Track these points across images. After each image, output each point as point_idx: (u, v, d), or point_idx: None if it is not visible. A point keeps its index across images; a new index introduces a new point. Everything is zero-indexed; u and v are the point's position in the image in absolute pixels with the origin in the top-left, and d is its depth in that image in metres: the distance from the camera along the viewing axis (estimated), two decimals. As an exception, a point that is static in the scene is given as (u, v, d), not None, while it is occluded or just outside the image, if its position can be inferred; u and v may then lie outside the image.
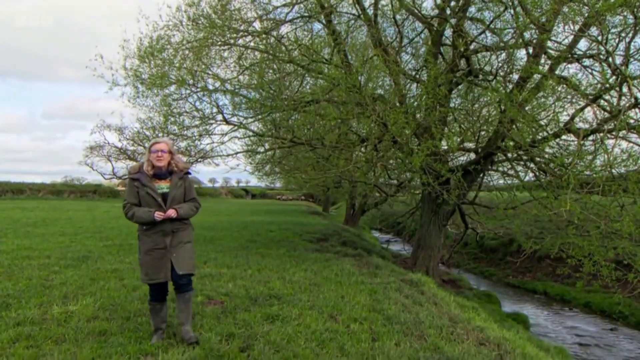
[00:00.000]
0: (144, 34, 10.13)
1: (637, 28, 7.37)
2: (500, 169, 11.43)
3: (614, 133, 7.24)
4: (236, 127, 11.50)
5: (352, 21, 11.20)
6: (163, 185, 4.45)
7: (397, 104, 10.10)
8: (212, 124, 11.21)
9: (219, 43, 9.92)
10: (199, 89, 10.53)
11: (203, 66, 10.42)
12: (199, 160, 13.31)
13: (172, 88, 10.42)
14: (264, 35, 9.96)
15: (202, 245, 11.48)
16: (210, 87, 10.61)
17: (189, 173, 4.65)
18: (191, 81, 10.27)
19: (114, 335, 4.49)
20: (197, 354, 4.05)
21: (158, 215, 4.29)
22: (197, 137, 11.22)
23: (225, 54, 10.67)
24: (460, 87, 11.42)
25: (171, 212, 4.34)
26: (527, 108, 8.94)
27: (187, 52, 10.10)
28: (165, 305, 4.57)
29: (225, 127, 11.57)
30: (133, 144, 56.54)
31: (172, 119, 10.72)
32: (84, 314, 5.11)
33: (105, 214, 23.49)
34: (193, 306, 4.94)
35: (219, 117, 11.14)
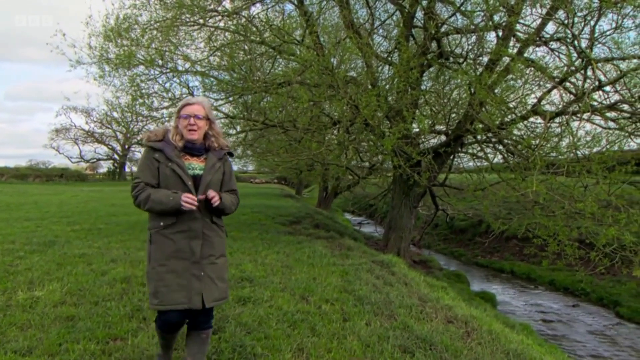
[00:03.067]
0: (110, 12, 9.83)
1: (602, 12, 7.52)
2: (470, 151, 11.61)
3: (578, 115, 7.43)
4: (207, 109, 11.32)
5: (324, 2, 11.09)
6: (195, 165, 3.08)
7: (369, 87, 10.10)
8: (182, 105, 11.01)
9: (188, 23, 9.70)
10: (168, 70, 10.31)
11: (172, 47, 10.18)
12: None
13: (141, 68, 10.18)
14: (234, 15, 9.78)
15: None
16: (180, 68, 10.40)
17: (232, 154, 3.35)
18: (160, 62, 10.03)
19: (82, 320, 4.41)
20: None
21: (187, 199, 2.86)
22: (167, 118, 11.01)
23: (195, 34, 10.46)
24: (431, 69, 11.48)
25: (213, 194, 2.95)
26: (496, 91, 9.08)
27: (155, 32, 9.85)
28: (177, 333, 3.24)
29: (196, 109, 11.37)
30: (101, 126, 55.40)
31: (141, 100, 10.48)
32: (50, 300, 4.99)
33: (73, 198, 22.93)
34: None
35: (190, 98, 10.94)
